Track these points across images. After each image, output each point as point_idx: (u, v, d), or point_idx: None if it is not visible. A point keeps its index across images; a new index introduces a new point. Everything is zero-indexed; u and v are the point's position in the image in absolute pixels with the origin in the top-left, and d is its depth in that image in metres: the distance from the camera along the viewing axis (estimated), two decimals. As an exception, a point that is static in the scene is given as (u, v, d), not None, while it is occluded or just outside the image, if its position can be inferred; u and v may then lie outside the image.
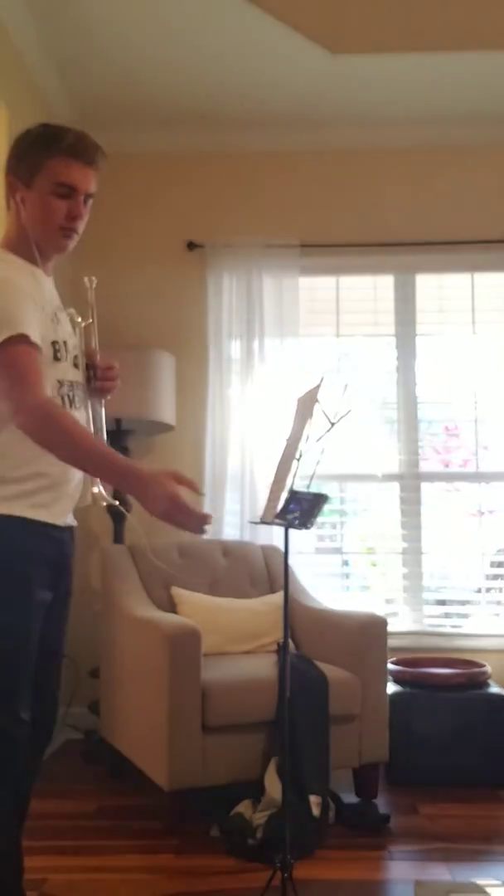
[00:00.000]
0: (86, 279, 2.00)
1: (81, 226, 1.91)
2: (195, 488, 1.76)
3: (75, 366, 1.96)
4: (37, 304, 1.81)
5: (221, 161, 4.12)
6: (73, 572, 2.05)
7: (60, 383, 1.88)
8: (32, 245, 1.87)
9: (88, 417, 1.98)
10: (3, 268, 1.84)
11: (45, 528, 1.86)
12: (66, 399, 1.89)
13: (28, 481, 1.82)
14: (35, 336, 1.76)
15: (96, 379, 1.96)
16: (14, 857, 2.02)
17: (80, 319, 1.98)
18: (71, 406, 1.91)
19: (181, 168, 4.13)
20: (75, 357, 1.96)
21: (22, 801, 2.04)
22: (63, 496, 1.91)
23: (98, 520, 3.88)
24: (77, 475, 1.94)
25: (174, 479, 1.72)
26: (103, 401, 2.01)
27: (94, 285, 1.97)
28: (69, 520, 1.98)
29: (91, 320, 1.98)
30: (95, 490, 1.96)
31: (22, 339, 1.73)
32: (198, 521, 1.69)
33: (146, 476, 1.71)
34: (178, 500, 1.68)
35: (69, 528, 1.99)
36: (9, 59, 3.24)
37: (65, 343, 1.90)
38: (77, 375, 1.95)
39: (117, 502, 2.06)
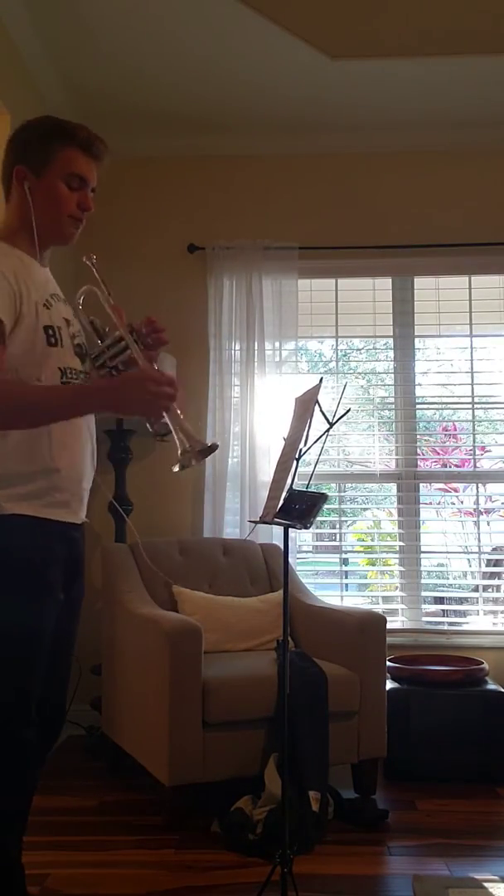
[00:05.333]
0: (84, 258, 1.93)
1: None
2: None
3: (77, 355, 1.90)
4: (9, 281, 1.75)
5: (221, 165, 4.15)
6: (83, 568, 2.02)
7: (62, 371, 1.83)
8: (34, 233, 1.84)
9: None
10: None
11: (60, 527, 1.85)
12: None
13: (38, 479, 1.79)
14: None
15: (146, 339, 1.87)
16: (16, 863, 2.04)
17: (108, 293, 1.90)
18: None
19: (182, 172, 4.16)
20: (78, 346, 1.91)
21: (33, 794, 2.06)
22: (77, 492, 1.89)
23: (99, 519, 3.91)
24: (88, 469, 1.92)
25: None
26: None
27: (94, 261, 1.91)
28: (84, 515, 1.95)
29: (109, 294, 1.90)
30: None
31: None
32: (167, 380, 1.72)
33: (107, 384, 1.78)
34: (142, 374, 1.74)
35: (82, 526, 1.97)
36: (10, 64, 3.27)
37: (59, 329, 1.84)
38: (78, 364, 1.89)
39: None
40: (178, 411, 1.77)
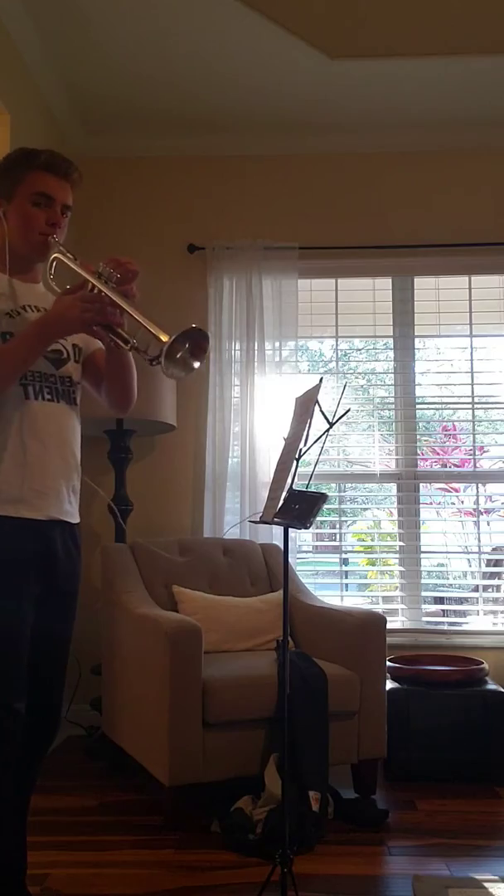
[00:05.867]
0: (47, 237, 2.01)
1: (61, 235, 2.00)
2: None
3: (51, 360, 1.99)
4: None
5: (222, 165, 4.15)
6: (72, 569, 2.03)
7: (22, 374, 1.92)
8: (5, 252, 1.99)
9: (68, 411, 2.01)
10: None
11: (28, 524, 1.89)
12: (30, 389, 1.93)
13: None
14: None
15: (115, 276, 1.90)
16: (12, 852, 2.04)
17: (73, 257, 1.98)
18: (39, 398, 1.94)
19: (182, 172, 4.16)
20: (55, 351, 1.99)
21: (23, 795, 2.06)
22: (43, 490, 1.93)
23: (99, 519, 3.91)
24: (57, 466, 1.95)
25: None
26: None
27: (54, 238, 2.00)
28: (58, 514, 1.97)
29: (73, 257, 1.97)
30: None
31: None
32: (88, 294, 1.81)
33: (47, 315, 1.86)
34: (65, 298, 1.84)
35: (61, 524, 1.99)
36: (11, 65, 3.27)
37: None
38: (50, 368, 1.98)
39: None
40: (138, 315, 1.79)
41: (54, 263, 1.99)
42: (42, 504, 1.93)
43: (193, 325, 1.75)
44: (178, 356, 1.74)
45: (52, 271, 2.00)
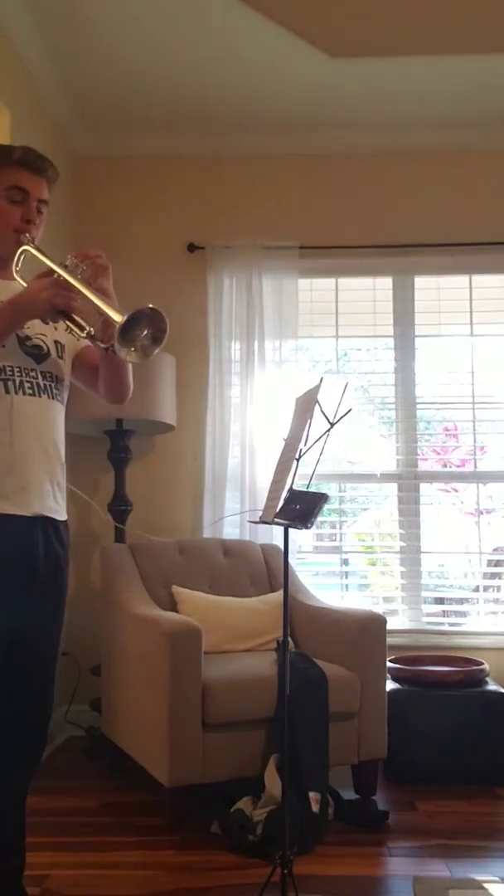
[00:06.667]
0: (24, 248, 2.01)
1: (36, 232, 1.99)
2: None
3: (31, 356, 1.98)
4: None
5: (222, 164, 4.14)
6: (56, 569, 2.00)
7: (0, 369, 1.91)
8: None
9: (50, 406, 2.00)
10: None
11: (4, 520, 1.87)
12: (10, 384, 1.91)
13: None
14: None
15: (81, 267, 1.90)
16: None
17: (43, 252, 1.97)
18: (20, 393, 1.92)
19: (182, 171, 4.15)
20: (33, 347, 1.99)
21: (15, 798, 2.04)
22: (23, 485, 1.91)
23: (98, 519, 3.91)
24: (36, 460, 1.94)
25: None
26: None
27: (27, 237, 1.99)
28: (42, 510, 1.95)
29: (44, 252, 1.96)
30: None
31: None
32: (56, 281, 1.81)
33: (18, 296, 1.85)
34: (41, 280, 1.83)
35: (45, 520, 1.96)
36: (10, 62, 3.26)
37: None
38: (31, 363, 1.97)
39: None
40: (97, 300, 1.78)
41: (23, 256, 1.98)
42: (24, 500, 1.90)
43: (150, 306, 1.73)
44: (137, 341, 1.74)
45: (19, 265, 1.98)
